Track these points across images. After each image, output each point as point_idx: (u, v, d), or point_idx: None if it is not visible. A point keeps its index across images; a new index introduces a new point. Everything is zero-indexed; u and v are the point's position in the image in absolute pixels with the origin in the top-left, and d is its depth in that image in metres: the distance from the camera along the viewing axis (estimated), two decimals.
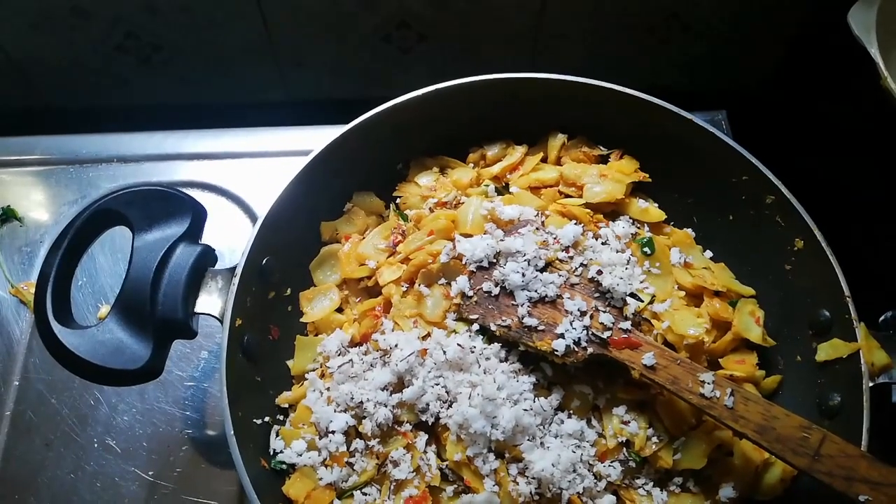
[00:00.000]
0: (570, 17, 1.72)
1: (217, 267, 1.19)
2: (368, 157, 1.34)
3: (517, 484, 1.10)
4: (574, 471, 1.12)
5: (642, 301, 1.20)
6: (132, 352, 1.10)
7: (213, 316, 1.14)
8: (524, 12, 1.70)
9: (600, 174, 1.33)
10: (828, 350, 1.17)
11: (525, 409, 1.12)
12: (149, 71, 1.81)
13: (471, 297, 1.21)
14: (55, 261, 1.13)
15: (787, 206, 1.22)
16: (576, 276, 1.20)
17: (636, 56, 1.83)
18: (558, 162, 1.40)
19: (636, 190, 1.38)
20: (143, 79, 1.84)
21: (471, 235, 1.25)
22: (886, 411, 1.14)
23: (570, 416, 1.17)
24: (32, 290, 1.20)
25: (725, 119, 1.64)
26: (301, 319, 1.31)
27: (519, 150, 1.39)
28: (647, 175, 1.36)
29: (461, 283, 1.21)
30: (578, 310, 1.16)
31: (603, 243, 1.27)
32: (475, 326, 1.20)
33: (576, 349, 1.14)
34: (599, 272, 1.19)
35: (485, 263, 1.21)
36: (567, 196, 1.35)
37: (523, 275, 1.18)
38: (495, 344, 1.19)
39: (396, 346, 1.19)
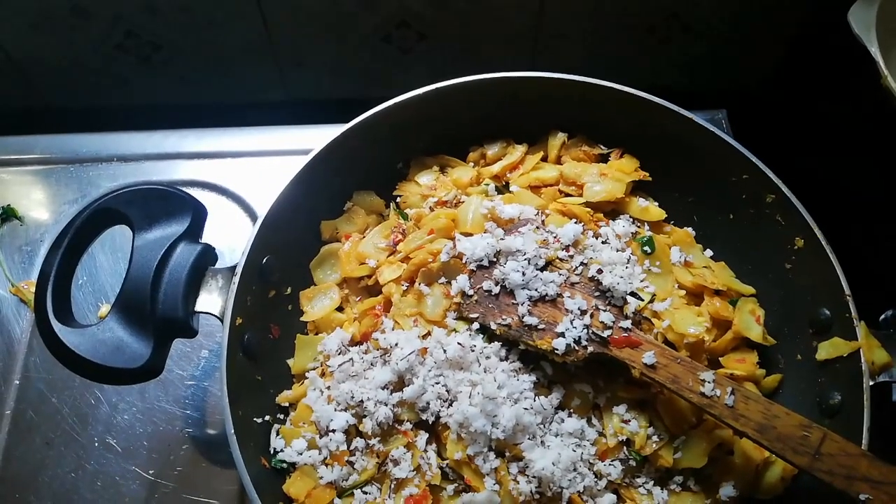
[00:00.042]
0: (569, 17, 1.72)
1: (217, 266, 1.19)
2: (368, 156, 1.34)
3: (518, 483, 1.10)
4: (574, 470, 1.12)
5: (642, 300, 1.20)
6: (132, 351, 1.10)
7: (213, 315, 1.14)
8: (524, 12, 1.71)
9: (600, 173, 1.33)
10: (828, 349, 1.17)
11: (525, 408, 1.12)
12: (149, 71, 1.81)
13: (471, 295, 1.21)
14: (55, 260, 1.13)
15: (787, 205, 1.22)
16: (576, 274, 1.20)
17: (636, 56, 1.83)
18: (558, 161, 1.40)
19: (636, 189, 1.38)
20: (143, 79, 1.84)
21: (471, 234, 1.25)
22: (887, 410, 1.15)
23: (570, 415, 1.17)
24: (33, 289, 1.20)
25: (726, 118, 1.64)
26: (301, 318, 1.31)
27: (519, 149, 1.40)
28: (648, 174, 1.36)
29: (461, 281, 1.21)
30: (579, 308, 1.16)
31: (603, 242, 1.27)
32: (475, 325, 1.20)
33: (576, 348, 1.14)
34: (600, 271, 1.19)
35: (485, 262, 1.21)
36: (567, 195, 1.35)
37: (523, 274, 1.18)
38: (496, 343, 1.19)
39: (397, 344, 1.19)
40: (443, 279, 1.24)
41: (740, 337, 1.24)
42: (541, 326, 1.16)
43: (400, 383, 1.17)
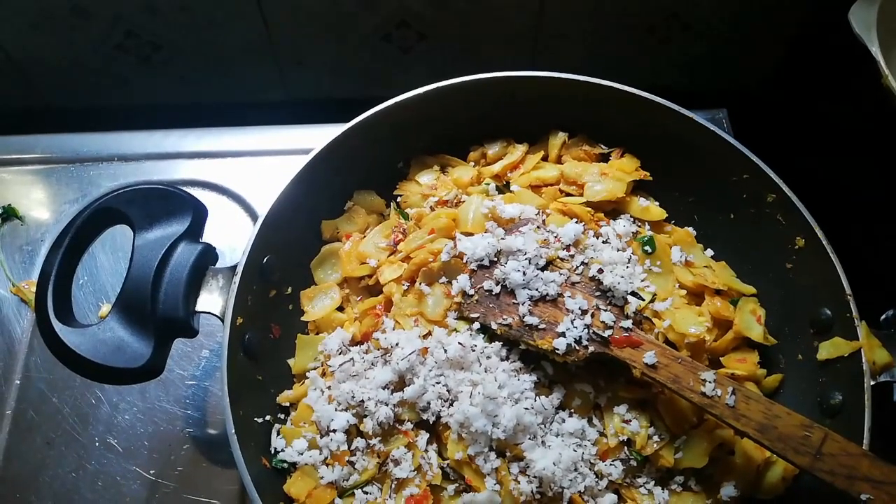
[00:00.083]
0: (569, 17, 1.72)
1: (218, 266, 1.19)
2: (369, 155, 1.34)
3: (518, 483, 1.10)
4: (575, 470, 1.12)
5: (643, 300, 1.20)
6: (133, 350, 1.10)
7: (214, 315, 1.14)
8: (524, 12, 1.71)
9: (601, 173, 1.33)
10: (829, 348, 1.17)
11: (526, 408, 1.12)
12: (149, 71, 1.81)
13: (472, 295, 1.21)
14: (56, 259, 1.13)
15: (788, 205, 1.22)
16: (577, 274, 1.20)
17: (636, 56, 1.83)
18: (559, 160, 1.40)
19: (637, 188, 1.38)
20: (143, 79, 1.84)
21: (472, 234, 1.25)
22: (888, 410, 1.14)
23: (571, 415, 1.16)
24: (33, 288, 1.20)
25: (726, 117, 1.64)
26: (302, 318, 1.31)
27: (520, 149, 1.40)
28: (648, 173, 1.36)
29: (462, 281, 1.21)
30: (579, 308, 1.16)
31: (604, 242, 1.27)
32: (476, 325, 1.20)
33: (577, 348, 1.14)
34: (600, 271, 1.19)
35: (486, 262, 1.21)
36: (568, 194, 1.35)
37: (524, 273, 1.18)
38: (496, 342, 1.19)
39: (397, 344, 1.19)
40: (443, 279, 1.24)
41: (741, 337, 1.24)
42: (541, 326, 1.16)
43: (401, 383, 1.17)
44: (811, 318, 1.21)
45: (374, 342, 1.22)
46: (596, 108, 1.34)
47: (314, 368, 1.26)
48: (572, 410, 1.17)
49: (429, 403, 1.15)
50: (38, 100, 1.88)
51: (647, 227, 1.34)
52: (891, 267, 1.51)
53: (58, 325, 1.10)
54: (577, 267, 1.21)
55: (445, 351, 1.16)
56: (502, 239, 1.23)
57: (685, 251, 1.32)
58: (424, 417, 1.15)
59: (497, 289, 1.19)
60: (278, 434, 1.21)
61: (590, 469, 1.14)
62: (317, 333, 1.31)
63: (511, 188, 1.36)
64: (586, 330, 1.14)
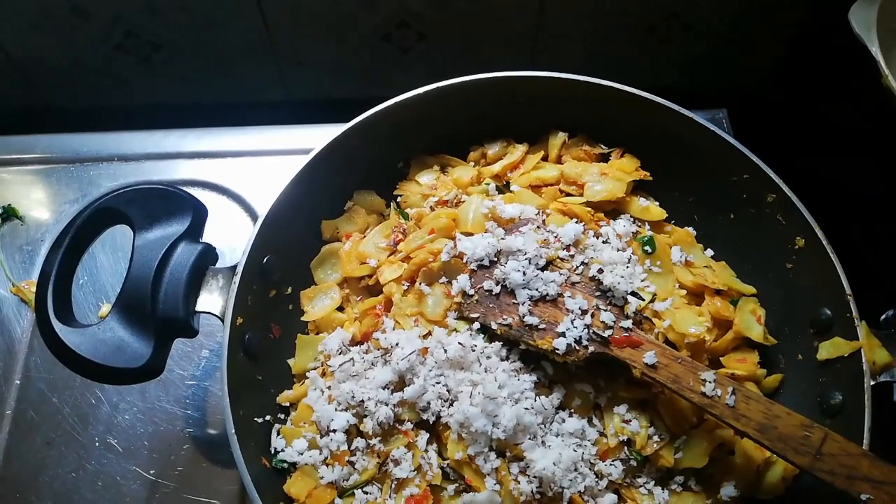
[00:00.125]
0: (569, 17, 1.72)
1: (218, 265, 1.19)
2: (369, 155, 1.34)
3: (518, 483, 1.10)
4: (575, 470, 1.12)
5: (643, 300, 1.20)
6: (133, 350, 1.10)
7: (214, 315, 1.14)
8: (524, 12, 1.71)
9: (601, 173, 1.33)
10: (829, 348, 1.17)
11: (526, 408, 1.12)
12: (149, 71, 1.81)
13: (472, 295, 1.21)
14: (56, 259, 1.13)
15: (788, 205, 1.22)
16: (577, 274, 1.20)
17: (636, 56, 1.83)
18: (559, 160, 1.40)
19: (637, 188, 1.38)
20: (143, 79, 1.84)
21: (472, 234, 1.25)
22: (888, 410, 1.14)
23: (571, 415, 1.16)
24: (33, 288, 1.20)
25: (726, 117, 1.64)
26: (302, 318, 1.31)
27: (520, 149, 1.40)
28: (648, 173, 1.36)
29: (462, 281, 1.21)
30: (579, 308, 1.16)
31: (604, 242, 1.27)
32: (476, 325, 1.20)
33: (577, 348, 1.14)
34: (600, 271, 1.19)
35: (486, 262, 1.21)
36: (568, 194, 1.35)
37: (524, 273, 1.18)
38: (496, 342, 1.19)
39: (397, 344, 1.19)
40: (443, 279, 1.24)
41: (741, 337, 1.24)
42: (541, 326, 1.16)
43: (401, 383, 1.17)
44: (811, 318, 1.21)
45: (374, 342, 1.22)
46: (596, 108, 1.34)
47: (314, 368, 1.26)
48: (572, 410, 1.17)
49: (429, 403, 1.15)
50: (38, 100, 1.88)
51: (647, 227, 1.34)
52: (891, 267, 1.51)
53: (58, 325, 1.10)
54: (577, 267, 1.21)
55: (445, 351, 1.16)
56: (502, 239, 1.23)
57: (685, 251, 1.32)
58: (424, 417, 1.15)
59: (497, 289, 1.19)
60: (278, 434, 1.21)
61: (590, 469, 1.14)
62: (317, 333, 1.31)
63: (511, 188, 1.36)
64: (586, 330, 1.14)
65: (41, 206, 1.59)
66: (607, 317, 1.16)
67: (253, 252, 1.18)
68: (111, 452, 1.35)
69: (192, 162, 1.63)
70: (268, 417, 1.22)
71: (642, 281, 1.24)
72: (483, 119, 1.38)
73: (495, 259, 1.22)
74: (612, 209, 1.35)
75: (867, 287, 1.18)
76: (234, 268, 1.16)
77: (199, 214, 1.19)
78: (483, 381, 1.14)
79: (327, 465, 1.17)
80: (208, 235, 1.21)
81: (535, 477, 1.10)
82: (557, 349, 1.13)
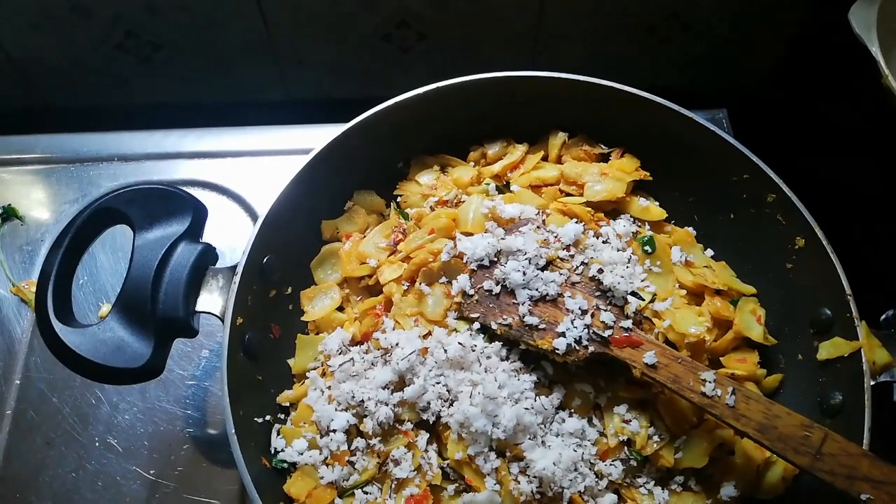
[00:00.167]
0: (569, 17, 1.72)
1: (218, 265, 1.19)
2: (369, 155, 1.34)
3: (518, 483, 1.10)
4: (575, 470, 1.12)
5: (643, 299, 1.20)
6: (133, 350, 1.10)
7: (214, 315, 1.14)
8: (524, 12, 1.71)
9: (601, 173, 1.33)
10: (829, 348, 1.17)
11: (526, 408, 1.12)
12: (149, 71, 1.81)
13: (472, 295, 1.21)
14: (56, 259, 1.13)
15: (788, 205, 1.22)
16: (577, 274, 1.20)
17: (636, 56, 1.83)
18: (559, 160, 1.40)
19: (637, 188, 1.38)
20: (143, 78, 1.84)
21: (472, 234, 1.25)
22: (888, 410, 1.14)
23: (571, 415, 1.16)
24: (33, 288, 1.20)
25: (726, 117, 1.64)
26: (302, 318, 1.31)
27: (520, 149, 1.40)
28: (648, 173, 1.36)
29: (462, 281, 1.21)
30: (579, 308, 1.16)
31: (604, 242, 1.27)
32: (476, 325, 1.20)
33: (577, 348, 1.14)
34: (600, 271, 1.19)
35: (486, 262, 1.21)
36: (568, 194, 1.35)
37: (524, 273, 1.18)
38: (496, 342, 1.19)
39: (397, 344, 1.19)
40: (443, 279, 1.24)
41: (741, 337, 1.24)
42: (541, 326, 1.16)
43: (401, 383, 1.17)
44: (811, 318, 1.21)
45: (374, 342, 1.22)
46: (596, 108, 1.34)
47: (314, 368, 1.26)
48: (572, 410, 1.17)
49: (429, 403, 1.15)
50: (37, 100, 1.88)
51: (647, 227, 1.34)
52: (891, 267, 1.51)
53: (58, 325, 1.10)
54: (577, 267, 1.21)
55: (445, 351, 1.16)
56: (502, 239, 1.23)
57: (685, 251, 1.32)
58: (424, 417, 1.15)
59: (497, 289, 1.19)
60: (278, 434, 1.21)
61: (590, 469, 1.14)
62: (317, 333, 1.31)
63: (511, 188, 1.36)
64: (586, 330, 1.14)
65: (41, 206, 1.59)
66: (607, 317, 1.16)
67: (253, 252, 1.18)
68: (111, 452, 1.35)
69: (192, 162, 1.63)
70: (268, 417, 1.22)
71: (642, 281, 1.24)
72: (483, 119, 1.38)
73: (495, 259, 1.22)
74: (612, 209, 1.35)
75: (867, 287, 1.18)
76: (234, 268, 1.16)
77: (199, 214, 1.19)
78: (483, 381, 1.14)
79: (327, 465, 1.17)
80: (208, 235, 1.21)
81: (535, 477, 1.10)
82: (557, 349, 1.13)
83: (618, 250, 1.26)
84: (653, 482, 1.17)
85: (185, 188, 1.22)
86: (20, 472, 1.33)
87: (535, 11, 1.69)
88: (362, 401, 1.16)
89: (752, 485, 1.17)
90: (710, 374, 1.09)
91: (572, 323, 1.15)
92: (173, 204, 1.18)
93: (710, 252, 1.36)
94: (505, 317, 1.18)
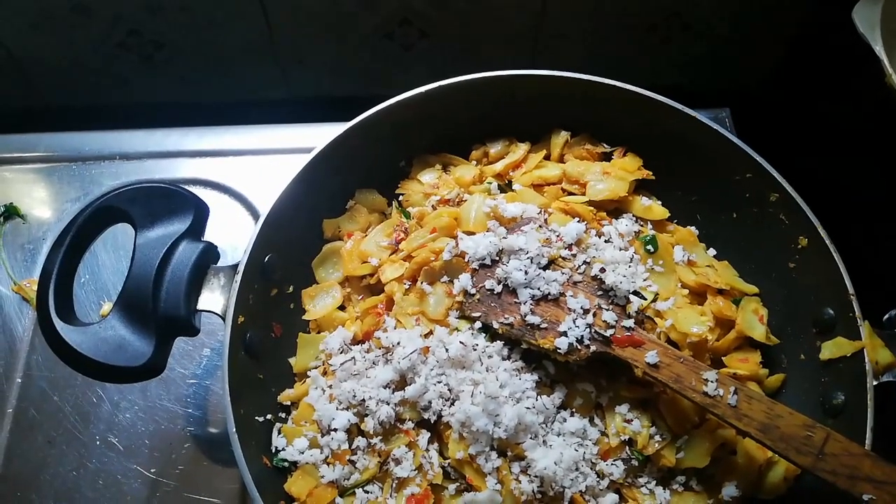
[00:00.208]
0: (570, 17, 1.72)
1: (219, 264, 1.19)
2: (370, 154, 1.34)
3: (519, 482, 1.10)
4: (577, 469, 1.12)
5: (645, 299, 1.20)
6: (134, 349, 1.10)
7: (215, 313, 1.14)
8: (524, 12, 1.71)
9: (603, 172, 1.33)
10: (832, 348, 1.17)
11: (527, 408, 1.12)
12: (149, 70, 1.81)
13: (473, 294, 1.21)
14: (58, 258, 1.13)
15: (791, 204, 1.22)
16: (579, 273, 1.20)
17: (636, 56, 1.83)
18: (561, 159, 1.40)
19: (639, 188, 1.38)
20: (143, 78, 1.84)
21: (473, 233, 1.25)
22: (890, 410, 1.14)
23: (572, 415, 1.16)
24: (35, 287, 1.20)
25: (729, 117, 1.64)
26: (303, 317, 1.31)
27: (522, 148, 1.39)
28: (651, 173, 1.36)
29: (464, 280, 1.21)
30: (581, 308, 1.16)
31: (606, 241, 1.27)
32: (478, 324, 1.20)
33: (578, 347, 1.14)
34: (602, 270, 1.19)
35: (487, 261, 1.21)
36: (570, 193, 1.35)
37: (526, 272, 1.18)
38: (498, 342, 1.19)
39: (399, 343, 1.19)
40: (445, 278, 1.24)
41: (743, 336, 1.24)
42: (543, 325, 1.16)
43: (402, 382, 1.17)
44: (814, 317, 1.21)
45: (376, 341, 1.22)
46: (598, 107, 1.34)
47: (315, 367, 1.26)
48: (574, 410, 1.17)
49: (430, 402, 1.15)
50: (38, 100, 1.88)
51: (650, 226, 1.34)
52: (893, 267, 1.51)
53: (59, 324, 1.10)
54: (579, 266, 1.21)
55: (447, 350, 1.16)
56: (504, 238, 1.22)
57: (687, 250, 1.32)
58: (426, 416, 1.15)
59: (499, 288, 1.19)
60: (279, 433, 1.21)
61: (591, 469, 1.14)
62: (318, 332, 1.31)
63: (513, 187, 1.36)
64: (588, 329, 1.14)
65: (43, 204, 1.59)
66: (609, 316, 1.15)
67: (254, 251, 1.18)
68: (112, 451, 1.35)
69: (194, 161, 1.64)
70: (269, 416, 1.22)
71: (644, 280, 1.24)
72: (484, 118, 1.38)
73: (497, 258, 1.22)
74: (614, 208, 1.35)
75: (870, 287, 1.18)
76: (235, 266, 1.16)
77: (200, 213, 1.19)
78: (484, 381, 1.14)
79: (328, 464, 1.17)
80: (210, 234, 1.21)
81: (536, 476, 1.10)
82: (559, 348, 1.13)
83: (620, 249, 1.26)
84: (654, 482, 1.17)
85: (186, 187, 1.22)
86: (21, 471, 1.33)
87: (535, 11, 1.69)
88: (363, 400, 1.16)
89: (754, 485, 1.17)
90: (713, 374, 1.09)
91: (574, 322, 1.15)
92: (175, 203, 1.18)
93: (712, 251, 1.36)
94: (507, 316, 1.18)
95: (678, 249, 1.31)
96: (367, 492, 1.16)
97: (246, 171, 1.62)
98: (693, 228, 1.36)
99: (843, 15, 1.35)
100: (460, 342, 1.16)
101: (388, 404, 1.15)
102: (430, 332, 1.21)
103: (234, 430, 1.07)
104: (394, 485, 1.15)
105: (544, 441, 1.13)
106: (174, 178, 1.59)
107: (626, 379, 1.18)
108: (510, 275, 1.18)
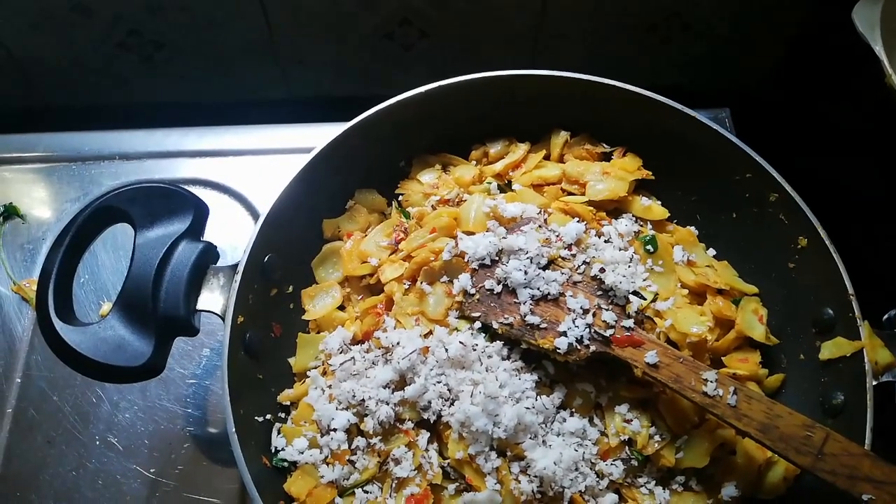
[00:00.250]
0: (570, 17, 1.72)
1: (219, 264, 1.19)
2: (370, 154, 1.34)
3: (519, 482, 1.10)
4: (576, 469, 1.12)
5: (645, 299, 1.20)
6: (134, 349, 1.10)
7: (214, 313, 1.14)
8: (524, 12, 1.71)
9: (603, 172, 1.33)
10: (831, 348, 1.17)
11: (527, 408, 1.12)
12: (149, 70, 1.81)
13: (473, 294, 1.21)
14: (57, 258, 1.13)
15: (790, 204, 1.22)
16: (578, 273, 1.20)
17: (636, 56, 1.83)
18: (561, 159, 1.40)
19: (639, 188, 1.38)
20: (143, 78, 1.84)
21: (473, 233, 1.25)
22: (890, 410, 1.14)
23: (572, 415, 1.16)
24: (34, 287, 1.20)
25: (729, 117, 1.64)
26: (303, 317, 1.31)
27: (522, 148, 1.39)
28: (650, 173, 1.36)
29: (463, 280, 1.21)
30: (581, 308, 1.16)
31: (606, 241, 1.27)
32: (477, 324, 1.20)
33: (578, 347, 1.14)
34: (602, 270, 1.19)
35: (487, 261, 1.21)
36: (570, 193, 1.35)
37: (525, 272, 1.18)
38: (497, 342, 1.19)
39: (398, 343, 1.19)
40: (445, 278, 1.24)
41: (743, 336, 1.24)
42: (543, 325, 1.16)
43: (401, 382, 1.17)
44: (813, 317, 1.21)
45: (375, 341, 1.22)
46: (598, 107, 1.34)
47: (315, 367, 1.26)
48: (573, 410, 1.17)
49: (430, 402, 1.15)
50: (38, 100, 1.88)
51: (650, 226, 1.34)
52: (892, 267, 1.51)
53: (59, 324, 1.10)
54: (579, 266, 1.21)
55: (446, 350, 1.16)
56: (504, 238, 1.22)
57: (687, 250, 1.32)
58: (425, 416, 1.15)
59: (498, 288, 1.19)
60: (279, 433, 1.21)
61: (591, 469, 1.14)
62: (318, 332, 1.31)
63: (513, 187, 1.36)
64: (588, 329, 1.14)
65: (42, 204, 1.59)
66: (609, 316, 1.15)
67: (254, 251, 1.18)
68: (112, 451, 1.35)
69: (194, 161, 1.63)
70: (268, 416, 1.22)
71: (644, 280, 1.24)
72: (485, 118, 1.38)
73: (497, 258, 1.22)
74: (614, 208, 1.35)
75: (869, 287, 1.18)
76: (235, 266, 1.16)
77: (200, 213, 1.19)
78: (484, 381, 1.13)
79: (328, 464, 1.17)
80: (209, 234, 1.21)
81: (535, 476, 1.10)
82: (559, 348, 1.13)
83: (620, 249, 1.26)
84: (654, 482, 1.17)
85: (186, 187, 1.22)
86: (21, 471, 1.33)
87: (535, 11, 1.69)
88: (363, 400, 1.16)
89: (754, 485, 1.17)
90: (712, 374, 1.09)
91: (574, 322, 1.15)
92: (174, 202, 1.18)
93: (712, 251, 1.36)
94: (506, 316, 1.18)
95: (678, 249, 1.31)
96: (366, 492, 1.16)
97: (246, 171, 1.62)
98: (693, 228, 1.36)
99: (843, 15, 1.35)
100: (460, 342, 1.16)
101: (388, 404, 1.15)
102: (430, 332, 1.21)
103: (234, 430, 1.07)
104: (393, 485, 1.15)
105: (544, 441, 1.13)
106: (174, 178, 1.59)
107: (626, 379, 1.18)
108: (510, 275, 1.18)
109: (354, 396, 1.16)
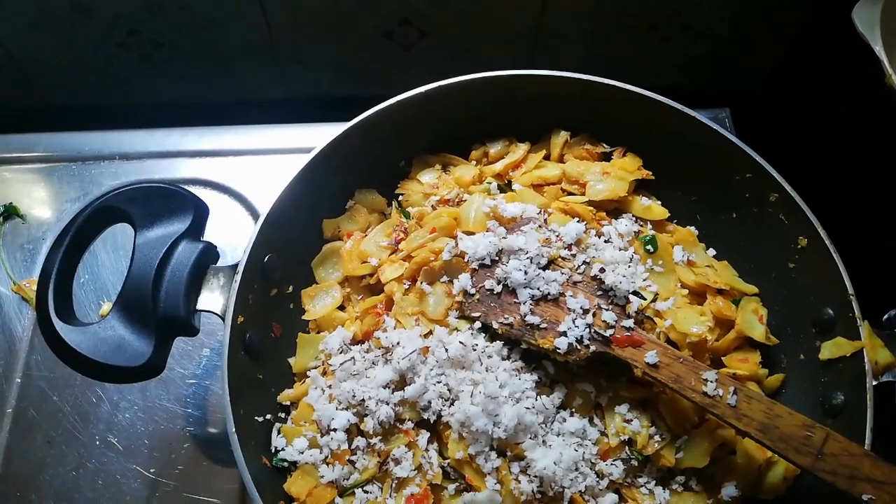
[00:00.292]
0: (570, 17, 1.72)
1: (219, 264, 1.19)
2: (370, 154, 1.34)
3: (519, 482, 1.10)
4: (576, 469, 1.12)
5: (645, 299, 1.20)
6: (134, 349, 1.10)
7: (214, 313, 1.14)
8: (524, 12, 1.70)
9: (603, 172, 1.33)
10: (831, 348, 1.17)
11: (527, 408, 1.12)
12: (149, 70, 1.81)
13: (473, 294, 1.21)
14: (57, 258, 1.13)
15: (790, 204, 1.22)
16: (578, 273, 1.20)
17: (636, 56, 1.83)
18: (561, 159, 1.40)
19: (639, 188, 1.38)
20: (143, 78, 1.84)
21: (473, 233, 1.25)
22: (890, 410, 1.14)
23: (572, 415, 1.16)
24: (34, 287, 1.20)
25: (729, 117, 1.64)
26: (303, 317, 1.31)
27: (522, 148, 1.39)
28: (650, 173, 1.36)
29: (463, 280, 1.21)
30: (581, 308, 1.16)
31: (606, 241, 1.27)
32: (477, 324, 1.20)
33: (578, 347, 1.14)
34: (602, 270, 1.19)
35: (487, 261, 1.21)
36: (570, 193, 1.35)
37: (526, 272, 1.18)
38: (497, 342, 1.19)
39: (398, 343, 1.19)
40: (445, 278, 1.24)
41: (743, 336, 1.24)
42: (543, 325, 1.16)
43: (401, 382, 1.17)
44: (813, 317, 1.21)
45: (375, 341, 1.22)
46: (598, 107, 1.34)
47: (315, 367, 1.26)
48: (573, 410, 1.17)
49: (430, 402, 1.15)
50: (38, 99, 1.88)
51: (650, 226, 1.34)
52: (892, 267, 1.51)
53: (59, 324, 1.10)
54: (579, 266, 1.21)
55: (446, 350, 1.16)
56: (504, 238, 1.22)
57: (687, 250, 1.32)
58: (425, 416, 1.15)
59: (498, 288, 1.19)
60: (279, 433, 1.21)
61: (591, 469, 1.14)
62: (318, 332, 1.31)
63: (513, 187, 1.36)
64: (588, 329, 1.14)
65: (42, 204, 1.59)
66: (609, 316, 1.15)
67: (254, 251, 1.18)
68: (112, 451, 1.35)
69: (194, 160, 1.63)
70: (268, 416, 1.22)
71: (644, 280, 1.24)
72: (484, 118, 1.38)
73: (497, 258, 1.22)
74: (614, 208, 1.35)
75: (869, 287, 1.18)
76: (235, 266, 1.16)
77: (200, 213, 1.19)
78: (484, 381, 1.13)
79: (328, 464, 1.17)
80: (209, 234, 1.21)
81: (535, 476, 1.10)
82: (559, 348, 1.13)
83: (620, 249, 1.26)
84: (654, 482, 1.17)
85: (186, 187, 1.22)
86: (21, 471, 1.33)
87: (535, 11, 1.69)
88: (363, 400, 1.16)
89: (754, 485, 1.17)
90: (712, 374, 1.09)
91: (574, 322, 1.15)
92: (174, 202, 1.18)
93: (712, 251, 1.36)
94: (506, 316, 1.18)
95: (678, 249, 1.31)
96: (366, 492, 1.16)
97: (246, 171, 1.62)
98: (693, 228, 1.36)
99: (843, 15, 1.35)
100: (460, 342, 1.16)
101: (388, 404, 1.15)
102: (430, 332, 1.21)
103: (234, 430, 1.07)
104: (393, 485, 1.15)
105: (544, 441, 1.13)
106: (174, 178, 1.59)
107: (626, 379, 1.18)
108: (510, 275, 1.18)
109: (354, 396, 1.16)
